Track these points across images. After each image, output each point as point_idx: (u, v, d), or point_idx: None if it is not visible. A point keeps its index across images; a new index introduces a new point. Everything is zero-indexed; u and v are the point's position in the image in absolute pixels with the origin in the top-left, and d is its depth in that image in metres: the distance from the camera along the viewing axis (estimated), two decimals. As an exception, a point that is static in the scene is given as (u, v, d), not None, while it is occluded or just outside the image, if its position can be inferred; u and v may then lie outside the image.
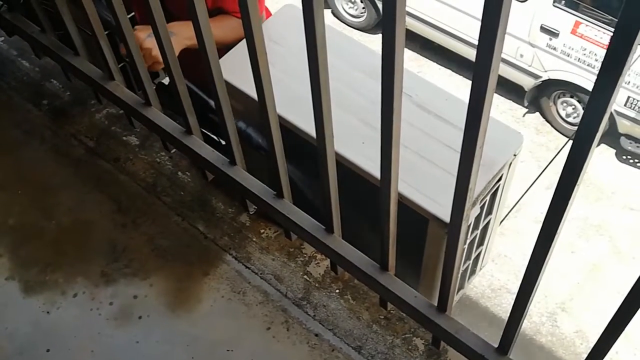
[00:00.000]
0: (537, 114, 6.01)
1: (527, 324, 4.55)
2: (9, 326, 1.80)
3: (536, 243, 1.12)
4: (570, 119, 5.77)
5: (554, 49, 5.43)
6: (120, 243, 1.91)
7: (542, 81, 5.64)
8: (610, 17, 5.07)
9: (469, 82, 0.91)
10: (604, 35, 5.11)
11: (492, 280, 4.91)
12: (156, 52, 2.04)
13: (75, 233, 1.95)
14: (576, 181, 0.95)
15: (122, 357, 1.74)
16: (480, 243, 2.55)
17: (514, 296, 1.28)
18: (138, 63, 1.69)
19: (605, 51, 0.75)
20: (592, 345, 1.24)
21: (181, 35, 2.02)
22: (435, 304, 1.48)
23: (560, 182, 0.97)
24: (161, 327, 1.78)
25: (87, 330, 1.78)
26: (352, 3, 6.56)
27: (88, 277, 1.86)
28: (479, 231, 2.41)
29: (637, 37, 0.73)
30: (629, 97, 5.22)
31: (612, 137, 5.49)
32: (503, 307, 4.75)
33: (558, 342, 4.65)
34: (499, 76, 0.94)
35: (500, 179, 2.23)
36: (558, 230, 1.07)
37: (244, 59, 1.37)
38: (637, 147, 5.47)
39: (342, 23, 6.73)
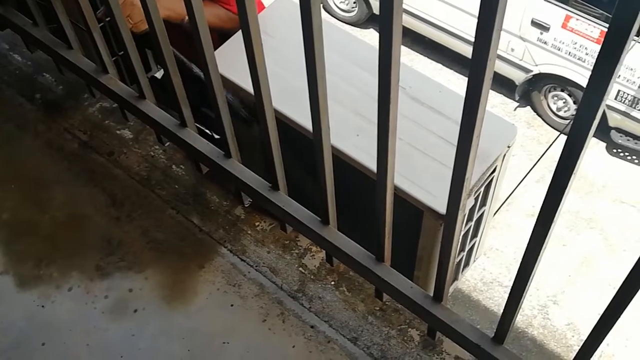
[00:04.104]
0: (528, 107, 6.03)
1: (519, 317, 4.56)
2: (4, 320, 1.79)
3: (532, 233, 1.13)
4: (561, 113, 5.79)
5: (545, 42, 5.44)
6: (114, 237, 1.91)
7: (533, 75, 5.66)
8: (601, 11, 5.09)
9: (460, 76, 0.92)
10: (594, 29, 5.13)
11: (484, 273, 4.93)
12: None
13: (70, 227, 1.95)
14: (570, 175, 0.96)
15: (117, 351, 1.74)
16: (474, 235, 2.56)
17: (506, 289, 1.29)
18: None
19: (595, 45, 0.77)
20: (583, 337, 1.25)
21: (161, 4, 2.00)
22: (431, 295, 1.49)
23: (555, 176, 0.98)
24: (157, 320, 1.78)
25: (83, 323, 1.78)
26: (344, -3, 6.56)
27: (83, 270, 1.85)
28: (473, 223, 2.42)
29: (632, 32, 0.74)
30: (619, 91, 5.24)
31: (603, 131, 5.52)
32: (495, 300, 4.77)
33: (550, 334, 4.67)
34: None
35: (494, 171, 2.25)
36: (553, 223, 1.08)
37: (239, 52, 1.37)
38: (628, 140, 5.50)
39: (332, 17, 6.72)
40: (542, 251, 1.16)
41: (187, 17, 2.40)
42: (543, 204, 1.05)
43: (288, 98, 2.04)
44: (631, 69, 5.08)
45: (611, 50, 0.76)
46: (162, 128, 1.80)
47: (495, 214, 3.40)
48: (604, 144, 5.69)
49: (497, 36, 0.86)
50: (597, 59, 0.78)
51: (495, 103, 5.99)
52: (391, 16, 0.94)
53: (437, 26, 6.00)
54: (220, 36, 2.54)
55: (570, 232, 5.18)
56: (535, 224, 1.10)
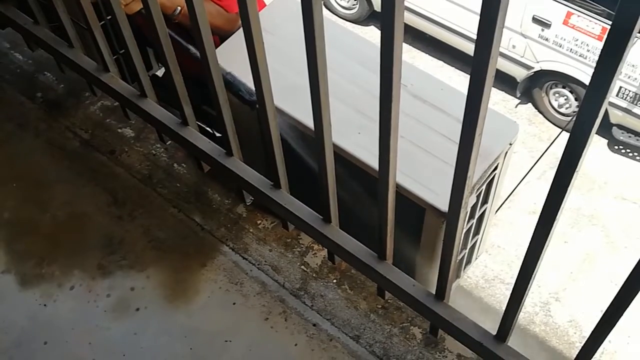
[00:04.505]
0: (530, 104, 6.02)
1: (521, 314, 4.53)
2: (6, 319, 1.79)
3: (534, 232, 1.12)
4: (562, 110, 5.78)
5: (546, 39, 5.43)
6: (116, 235, 1.91)
7: (534, 72, 5.65)
8: (602, 8, 5.08)
9: (461, 74, 0.91)
10: (595, 26, 5.12)
11: (486, 270, 4.93)
12: None
13: (71, 226, 1.95)
14: (573, 173, 0.96)
15: (119, 349, 1.74)
16: (476, 232, 2.56)
17: (508, 286, 1.29)
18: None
19: (597, 42, 0.76)
20: (585, 334, 1.25)
21: None
22: (433, 293, 1.48)
23: (558, 175, 0.97)
24: (159, 318, 1.78)
25: (85, 322, 1.78)
26: (344, -5, 6.56)
27: (84, 269, 1.85)
28: (474, 220, 2.42)
29: (634, 30, 0.73)
30: (620, 87, 5.24)
31: (604, 128, 5.51)
32: (497, 297, 4.76)
33: (552, 331, 4.67)
34: (492, 67, 0.94)
35: (496, 168, 2.24)
36: (555, 222, 1.07)
37: (240, 50, 1.37)
38: (629, 137, 5.49)
39: (333, 15, 6.72)
40: (544, 249, 1.15)
41: (178, 8, 2.40)
42: (545, 203, 1.04)
43: (289, 96, 2.04)
44: (632, 66, 5.06)
45: (614, 49, 0.76)
46: (163, 126, 1.80)
47: (497, 211, 3.40)
48: (606, 141, 5.68)
49: (500, 34, 0.86)
50: (599, 57, 0.77)
51: (496, 100, 5.99)
52: (393, 14, 0.94)
53: (439, 23, 5.99)
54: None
55: (571, 229, 5.17)
56: (538, 223, 1.10)
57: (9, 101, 2.21)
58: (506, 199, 4.88)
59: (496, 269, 4.93)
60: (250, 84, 1.38)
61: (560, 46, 5.39)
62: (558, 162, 0.96)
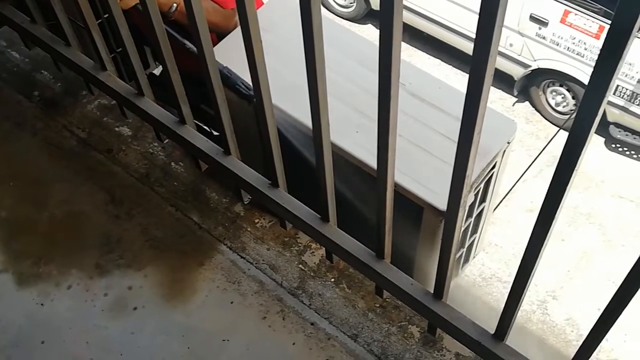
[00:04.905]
0: (527, 103, 6.02)
1: (518, 313, 4.51)
2: (3, 319, 1.79)
3: (533, 231, 1.12)
4: (559, 108, 5.78)
5: (544, 38, 5.43)
6: (114, 234, 1.90)
7: (532, 70, 5.65)
8: (599, 6, 5.08)
9: (459, 72, 0.91)
10: (593, 24, 5.12)
11: (483, 269, 4.93)
12: None
13: (69, 225, 1.94)
14: (572, 173, 0.96)
15: (117, 348, 1.73)
16: (474, 231, 2.56)
17: (505, 285, 1.29)
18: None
19: (594, 40, 0.76)
20: (582, 332, 1.25)
21: None
22: (431, 291, 1.48)
23: (557, 174, 0.97)
24: (156, 318, 1.78)
25: (82, 321, 1.77)
26: (342, -7, 6.55)
27: (82, 268, 1.85)
28: (472, 219, 2.42)
29: (633, 31, 0.73)
30: (618, 86, 5.24)
31: (601, 126, 5.51)
32: (494, 295, 4.76)
33: (549, 330, 4.67)
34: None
35: (494, 167, 2.24)
36: (554, 221, 1.07)
37: (238, 48, 1.37)
38: (627, 135, 5.49)
39: (330, 13, 6.71)
40: (543, 248, 1.15)
41: (174, 5, 2.40)
42: (544, 201, 1.04)
43: (287, 94, 2.04)
44: (630, 64, 5.07)
45: (613, 49, 0.76)
46: (160, 125, 1.80)
47: (494, 209, 3.40)
48: (603, 139, 5.69)
49: (499, 31, 0.86)
50: (598, 57, 0.77)
51: (493, 98, 5.98)
52: (392, 13, 0.94)
53: (436, 22, 5.99)
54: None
55: (568, 227, 5.17)
56: (536, 221, 1.10)
57: (6, 100, 2.20)
58: (504, 197, 4.88)
59: (493, 267, 4.93)
60: (248, 80, 1.37)
61: (558, 44, 5.39)
62: (556, 161, 0.96)
